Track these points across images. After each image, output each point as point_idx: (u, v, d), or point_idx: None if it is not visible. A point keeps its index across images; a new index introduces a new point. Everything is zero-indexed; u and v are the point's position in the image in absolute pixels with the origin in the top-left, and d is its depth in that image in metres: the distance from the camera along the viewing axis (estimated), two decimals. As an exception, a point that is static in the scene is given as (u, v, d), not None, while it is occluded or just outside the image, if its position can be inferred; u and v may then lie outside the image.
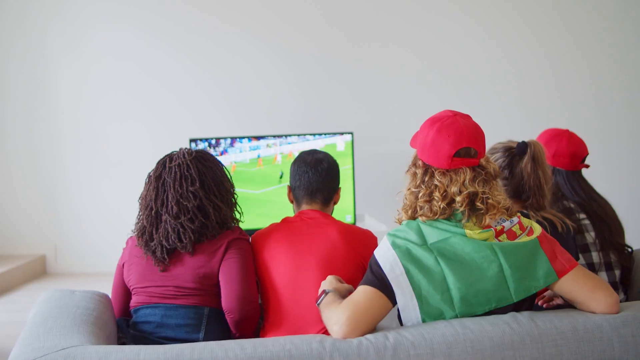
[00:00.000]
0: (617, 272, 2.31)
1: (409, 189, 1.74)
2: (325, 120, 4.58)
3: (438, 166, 1.67)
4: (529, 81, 4.66)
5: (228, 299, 1.96)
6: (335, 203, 2.31)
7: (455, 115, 1.71)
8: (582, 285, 1.62)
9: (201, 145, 3.93)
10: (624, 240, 2.40)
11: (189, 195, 2.03)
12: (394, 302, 1.63)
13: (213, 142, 3.96)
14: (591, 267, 2.25)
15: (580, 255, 2.26)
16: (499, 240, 1.63)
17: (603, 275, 2.28)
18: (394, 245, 1.65)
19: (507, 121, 4.57)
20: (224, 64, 4.65)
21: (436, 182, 1.66)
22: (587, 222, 2.31)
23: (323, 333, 1.85)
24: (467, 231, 1.63)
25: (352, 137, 4.09)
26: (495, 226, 1.64)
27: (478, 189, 1.63)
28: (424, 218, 1.67)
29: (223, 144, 3.98)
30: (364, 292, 1.63)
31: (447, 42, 4.63)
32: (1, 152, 4.77)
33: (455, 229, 1.64)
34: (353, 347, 1.51)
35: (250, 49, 4.63)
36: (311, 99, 4.66)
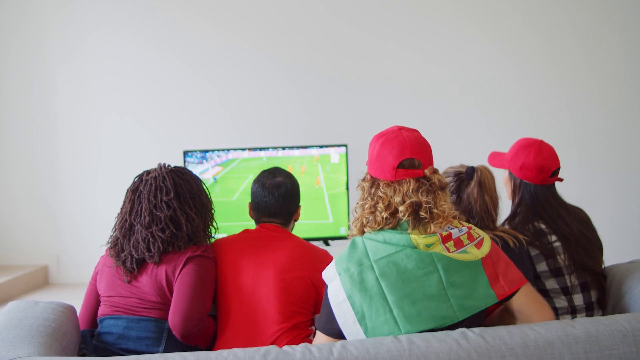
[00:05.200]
0: (594, 293, 2.22)
1: (358, 202, 1.77)
2: (319, 132, 4.59)
3: (383, 178, 1.70)
4: (526, 93, 4.63)
5: (173, 315, 1.96)
6: (295, 220, 2.39)
7: (401, 129, 1.74)
8: (527, 306, 1.70)
9: (198, 155, 3.96)
10: (601, 259, 2.29)
11: (163, 206, 2.06)
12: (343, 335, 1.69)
13: (208, 153, 4.00)
14: (565, 290, 2.17)
15: (554, 280, 2.19)
16: (446, 247, 1.63)
17: (579, 297, 2.19)
18: (338, 271, 1.68)
19: (505, 131, 4.53)
20: (221, 76, 4.68)
21: (380, 193, 1.69)
22: (558, 244, 2.21)
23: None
24: (413, 236, 1.63)
25: (347, 149, 4.09)
26: (441, 232, 1.65)
27: (421, 198, 1.65)
28: (368, 229, 1.70)
29: (217, 155, 4.01)
30: (318, 340, 1.74)
31: (442, 55, 4.63)
32: (3, 164, 4.85)
33: (401, 236, 1.65)
34: (296, 361, 1.51)
35: (246, 62, 4.66)
36: (306, 111, 4.68)
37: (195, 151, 4.00)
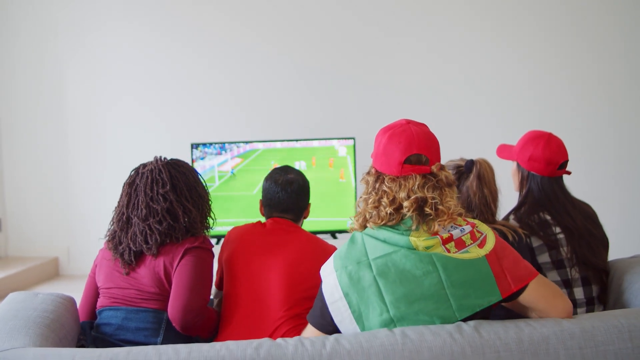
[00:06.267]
0: (595, 288, 2.19)
1: (361, 196, 1.73)
2: (327, 125, 4.58)
3: (389, 173, 1.65)
4: (534, 89, 4.59)
5: (172, 307, 1.97)
6: (305, 218, 2.42)
7: (409, 123, 1.69)
8: (537, 302, 1.62)
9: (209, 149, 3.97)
10: (605, 256, 2.26)
11: (159, 198, 2.07)
12: (336, 331, 1.67)
13: (227, 145, 4.01)
14: (567, 283, 2.15)
15: (556, 272, 2.17)
16: (446, 248, 1.58)
17: (579, 291, 2.16)
18: (336, 268, 1.66)
19: (514, 127, 4.49)
20: (230, 69, 4.69)
21: (385, 188, 1.64)
22: (562, 236, 2.19)
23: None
24: (412, 239, 1.59)
25: (354, 142, 4.08)
26: (442, 234, 1.60)
27: (427, 194, 1.60)
28: (371, 224, 1.65)
29: (227, 148, 4.02)
30: (309, 333, 1.72)
31: (451, 50, 4.60)
32: (15, 158, 4.91)
33: (401, 237, 1.60)
34: (288, 355, 1.50)
35: (255, 55, 4.66)
36: (314, 105, 4.67)
37: (202, 144, 4.02)
